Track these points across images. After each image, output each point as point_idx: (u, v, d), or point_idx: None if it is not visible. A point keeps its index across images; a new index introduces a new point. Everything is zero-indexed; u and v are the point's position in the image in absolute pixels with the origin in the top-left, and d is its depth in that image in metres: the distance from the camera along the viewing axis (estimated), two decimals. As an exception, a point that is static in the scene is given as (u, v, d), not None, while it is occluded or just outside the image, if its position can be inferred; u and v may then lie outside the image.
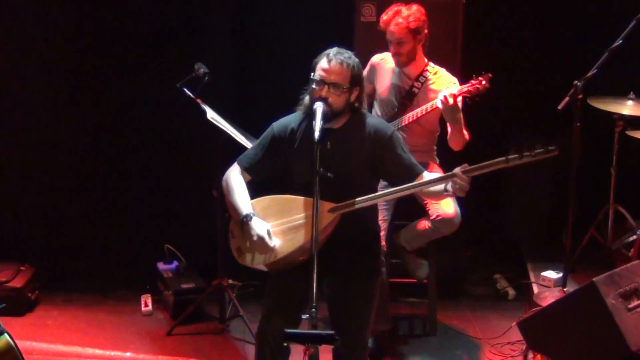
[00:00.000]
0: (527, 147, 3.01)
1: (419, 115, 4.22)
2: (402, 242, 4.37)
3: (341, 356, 3.33)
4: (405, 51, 4.20)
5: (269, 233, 3.24)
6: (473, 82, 3.97)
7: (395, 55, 4.24)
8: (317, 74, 3.22)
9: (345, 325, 3.32)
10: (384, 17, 4.21)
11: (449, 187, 3.11)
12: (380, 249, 3.48)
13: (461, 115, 4.04)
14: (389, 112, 4.35)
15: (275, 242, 3.24)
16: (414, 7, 4.19)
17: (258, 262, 3.30)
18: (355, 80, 3.25)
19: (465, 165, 3.07)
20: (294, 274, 3.22)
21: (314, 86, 3.23)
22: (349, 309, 3.34)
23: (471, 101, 3.99)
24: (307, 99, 3.31)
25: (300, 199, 3.22)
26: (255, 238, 3.23)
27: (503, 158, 3.03)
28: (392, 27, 4.16)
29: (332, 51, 3.25)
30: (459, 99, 3.99)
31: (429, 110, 4.17)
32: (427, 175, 3.29)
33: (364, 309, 3.36)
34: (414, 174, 3.28)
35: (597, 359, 3.58)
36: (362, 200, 3.19)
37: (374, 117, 3.45)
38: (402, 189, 3.20)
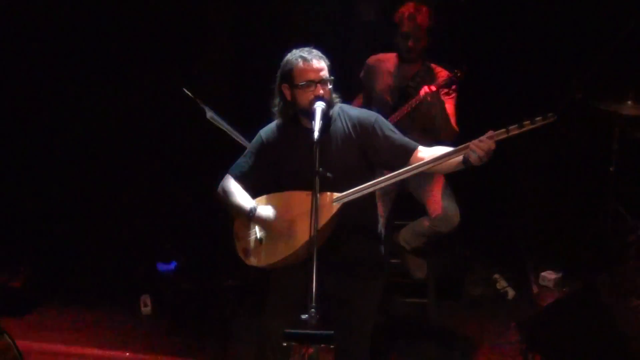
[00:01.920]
0: (526, 118, 3.00)
1: (408, 110, 4.22)
2: (402, 241, 4.38)
3: (344, 354, 3.33)
4: (420, 47, 4.24)
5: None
6: (449, 74, 4.10)
7: (411, 51, 4.24)
8: (302, 79, 3.20)
9: (349, 324, 3.33)
10: (410, 11, 4.20)
11: (471, 156, 3.03)
12: (383, 246, 3.47)
13: (441, 107, 4.08)
14: (387, 112, 4.34)
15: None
16: (426, 8, 4.23)
17: (266, 261, 3.29)
18: (330, 69, 3.26)
19: (491, 131, 3.03)
20: (295, 273, 3.22)
21: (303, 90, 3.20)
22: (353, 308, 3.34)
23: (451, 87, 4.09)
24: (279, 106, 3.31)
25: (300, 193, 3.21)
26: (270, 224, 3.23)
27: (503, 130, 3.00)
28: (420, 20, 4.17)
29: (302, 52, 3.23)
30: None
31: (413, 106, 4.18)
32: (422, 149, 3.25)
33: (368, 308, 3.37)
34: (409, 151, 3.25)
35: (597, 359, 3.59)
36: (369, 185, 3.16)
37: (354, 107, 3.45)
38: (417, 167, 3.13)
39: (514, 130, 3.00)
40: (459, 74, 4.09)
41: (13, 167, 5.30)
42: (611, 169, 4.84)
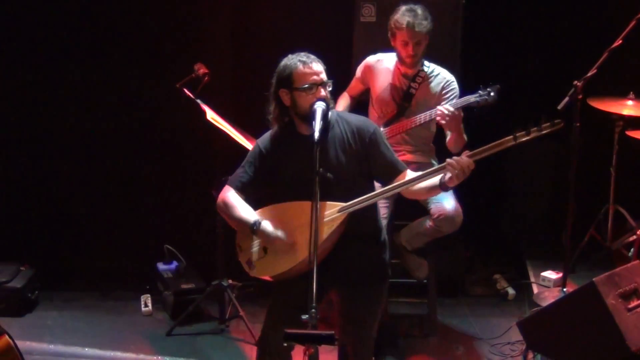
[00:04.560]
0: (533, 123, 2.99)
1: (420, 122, 4.21)
2: (403, 241, 4.37)
3: (348, 358, 3.33)
4: (421, 52, 4.19)
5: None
6: (481, 92, 3.96)
7: (411, 57, 4.19)
8: (303, 82, 3.18)
9: (354, 331, 3.32)
10: (406, 18, 4.11)
11: (446, 177, 3.07)
12: (387, 252, 3.46)
13: (460, 123, 4.04)
14: (388, 113, 4.34)
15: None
16: (422, 7, 4.16)
17: (270, 272, 3.27)
18: (327, 72, 3.26)
19: (467, 151, 3.05)
20: (298, 283, 3.16)
21: (304, 94, 3.18)
22: (358, 315, 3.33)
23: (478, 110, 3.99)
24: (275, 113, 3.29)
25: (302, 203, 3.17)
26: (273, 241, 3.22)
27: (510, 137, 3.01)
28: (417, 28, 4.10)
29: (299, 56, 3.22)
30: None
31: (427, 119, 4.17)
32: (410, 173, 3.27)
33: (372, 314, 3.36)
34: (397, 171, 3.27)
35: (597, 359, 3.59)
36: (372, 196, 3.16)
37: (353, 115, 3.45)
38: (404, 184, 3.18)
39: (521, 137, 3.01)
40: (488, 99, 3.96)
41: (13, 167, 5.30)
42: (611, 169, 4.84)
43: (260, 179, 3.35)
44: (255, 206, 3.35)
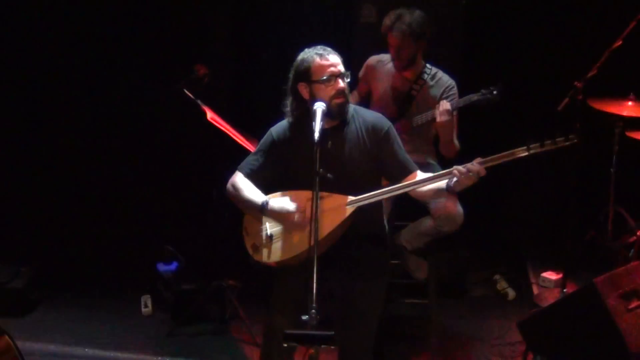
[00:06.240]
0: (548, 136, 3.02)
1: (418, 123, 4.22)
2: (403, 241, 4.37)
3: (348, 354, 3.34)
4: (405, 56, 4.20)
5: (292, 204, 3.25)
6: (484, 91, 3.97)
7: (395, 60, 4.24)
8: (321, 74, 3.21)
9: (353, 323, 3.33)
10: (387, 21, 4.18)
11: (453, 181, 3.10)
12: (389, 247, 3.48)
13: (453, 128, 4.05)
14: (388, 114, 4.33)
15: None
16: (417, 12, 4.17)
17: (275, 258, 3.29)
18: (344, 64, 3.28)
19: (479, 158, 3.08)
20: (300, 273, 3.19)
21: (323, 86, 3.21)
22: (358, 308, 3.34)
23: (479, 109, 4.00)
24: (292, 106, 3.32)
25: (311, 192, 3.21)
26: (285, 213, 3.23)
27: (524, 147, 3.04)
28: (393, 33, 4.15)
29: (316, 49, 3.27)
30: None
31: (428, 118, 4.17)
32: (420, 174, 3.30)
33: (372, 307, 3.37)
34: (408, 171, 3.30)
35: (597, 359, 3.59)
36: (381, 193, 3.18)
37: (368, 111, 3.47)
38: (413, 184, 3.21)
39: (535, 148, 3.04)
40: (490, 98, 3.94)
41: (14, 168, 5.30)
42: (612, 169, 4.84)
43: (270, 167, 3.38)
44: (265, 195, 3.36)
